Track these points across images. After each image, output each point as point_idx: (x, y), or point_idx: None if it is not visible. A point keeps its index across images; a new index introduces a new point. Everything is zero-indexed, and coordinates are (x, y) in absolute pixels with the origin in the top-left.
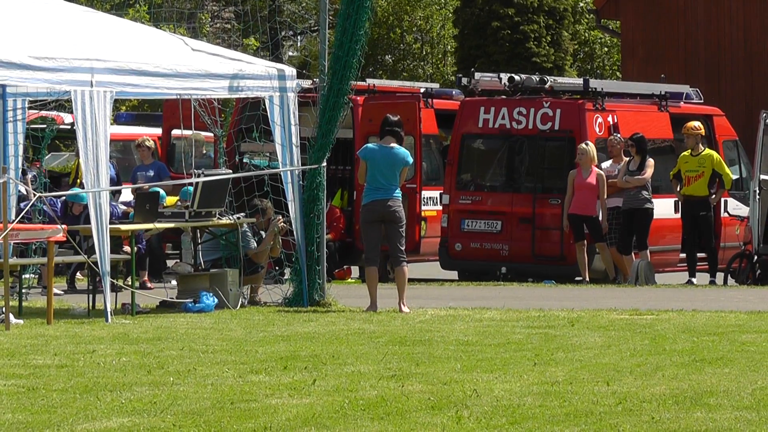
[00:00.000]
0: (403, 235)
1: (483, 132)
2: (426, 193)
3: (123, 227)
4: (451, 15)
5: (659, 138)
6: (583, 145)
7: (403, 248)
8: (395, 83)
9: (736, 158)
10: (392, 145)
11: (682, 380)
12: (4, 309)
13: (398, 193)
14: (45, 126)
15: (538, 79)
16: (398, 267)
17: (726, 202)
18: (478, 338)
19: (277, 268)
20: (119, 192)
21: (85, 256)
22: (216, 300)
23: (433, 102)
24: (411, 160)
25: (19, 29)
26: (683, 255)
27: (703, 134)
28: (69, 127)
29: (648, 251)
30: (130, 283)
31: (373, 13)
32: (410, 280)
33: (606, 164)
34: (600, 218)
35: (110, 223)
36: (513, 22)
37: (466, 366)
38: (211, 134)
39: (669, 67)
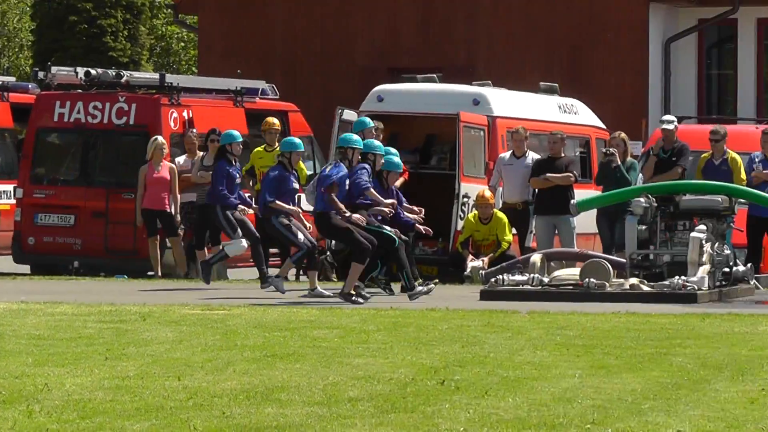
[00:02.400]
0: None
1: (58, 126)
2: (0, 187)
3: None
4: (28, 8)
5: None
6: (159, 139)
7: None
8: None
9: (311, 154)
10: None
11: (254, 375)
12: None
13: None
14: None
15: (114, 73)
16: None
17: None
18: (50, 332)
19: None
20: None
21: None
22: None
23: (9, 95)
24: None
25: None
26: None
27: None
28: None
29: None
30: None
31: None
32: None
33: (180, 159)
34: (173, 213)
35: None
36: (91, 16)
37: (37, 360)
38: None
39: (247, 62)
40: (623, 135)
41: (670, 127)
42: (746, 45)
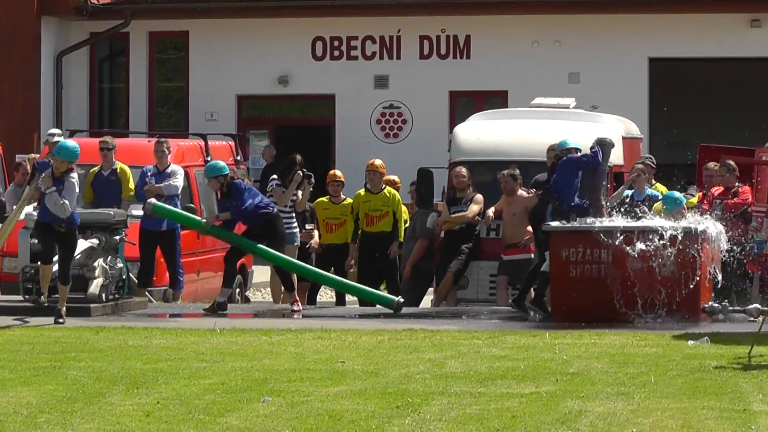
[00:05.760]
0: None
1: None
2: None
3: None
4: None
5: None
6: None
7: None
8: None
9: None
10: None
11: None
12: None
13: None
14: None
15: None
16: None
17: None
18: None
19: None
20: None
21: None
22: None
23: None
24: None
25: None
26: None
27: None
28: None
29: None
30: None
31: None
32: None
33: None
34: None
35: None
36: None
37: None
38: None
39: None
40: None
41: (56, 140)
42: (138, 58)
